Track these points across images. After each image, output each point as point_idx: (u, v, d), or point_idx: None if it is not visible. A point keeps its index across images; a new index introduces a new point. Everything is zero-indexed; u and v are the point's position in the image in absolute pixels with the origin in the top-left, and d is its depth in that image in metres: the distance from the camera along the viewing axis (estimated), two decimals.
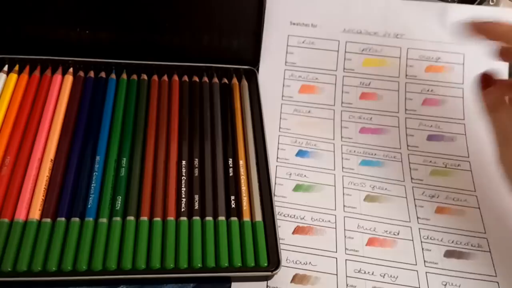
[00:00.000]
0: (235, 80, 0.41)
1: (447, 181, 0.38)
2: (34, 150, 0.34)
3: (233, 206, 0.33)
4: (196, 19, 0.40)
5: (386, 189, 0.37)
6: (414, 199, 0.37)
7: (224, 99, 0.40)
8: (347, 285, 0.32)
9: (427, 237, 0.35)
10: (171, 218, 0.32)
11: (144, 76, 0.40)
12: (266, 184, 0.35)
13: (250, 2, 0.40)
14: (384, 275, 0.33)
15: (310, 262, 0.33)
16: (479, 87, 0.35)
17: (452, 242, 0.35)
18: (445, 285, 0.33)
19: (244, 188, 0.34)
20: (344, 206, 0.36)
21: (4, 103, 0.36)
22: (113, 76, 0.40)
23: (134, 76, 0.40)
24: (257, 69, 0.42)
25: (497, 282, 0.33)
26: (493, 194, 0.38)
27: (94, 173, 0.33)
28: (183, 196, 0.33)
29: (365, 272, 0.33)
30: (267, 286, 0.32)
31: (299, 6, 0.45)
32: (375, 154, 0.39)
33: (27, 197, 0.32)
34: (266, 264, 0.31)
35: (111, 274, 0.29)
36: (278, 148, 0.39)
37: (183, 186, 0.34)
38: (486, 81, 0.34)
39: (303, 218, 0.35)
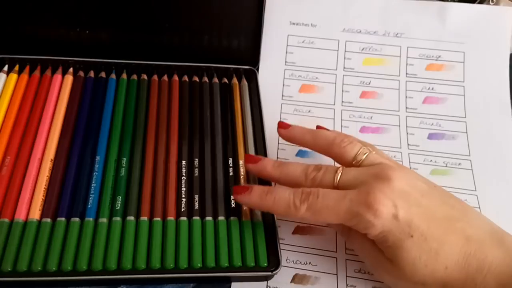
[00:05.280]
0: (235, 80, 0.41)
1: (447, 180, 0.38)
2: (34, 150, 0.34)
3: (233, 206, 0.33)
4: (196, 19, 0.40)
5: None
6: None
7: (224, 99, 0.40)
8: (347, 285, 0.32)
9: None
10: (171, 218, 0.32)
11: (144, 76, 0.40)
12: (266, 184, 0.35)
13: (250, 2, 0.40)
14: None
15: (310, 262, 0.33)
16: None
17: None
18: None
19: None
20: None
21: (4, 103, 0.36)
22: (113, 76, 0.40)
23: (134, 76, 0.40)
24: (257, 69, 0.42)
25: None
26: (494, 193, 0.38)
27: (94, 173, 0.33)
28: (183, 196, 0.33)
29: (365, 272, 0.33)
30: (267, 286, 0.32)
31: (298, 6, 0.45)
32: None
33: (27, 197, 0.32)
34: (266, 264, 0.31)
35: (111, 274, 0.29)
36: (278, 148, 0.39)
37: (183, 186, 0.34)
38: None
39: None
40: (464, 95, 0.43)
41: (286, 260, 0.33)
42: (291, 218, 0.32)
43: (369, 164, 0.30)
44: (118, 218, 0.32)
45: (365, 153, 0.31)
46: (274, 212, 0.31)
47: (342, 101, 0.42)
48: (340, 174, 0.30)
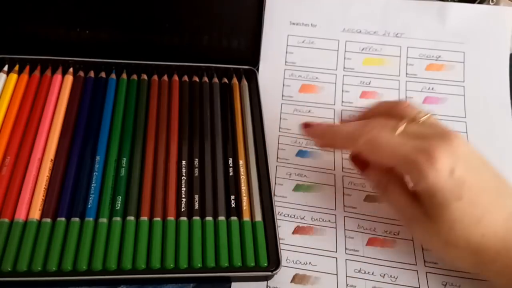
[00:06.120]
0: (235, 80, 0.41)
1: None
2: (34, 150, 0.34)
3: (233, 206, 0.33)
4: (196, 19, 0.40)
5: None
6: None
7: (224, 99, 0.40)
8: (347, 285, 0.32)
9: None
10: (171, 218, 0.32)
11: (144, 76, 0.40)
12: (266, 184, 0.35)
13: (250, 2, 0.40)
14: (384, 275, 0.33)
15: (310, 262, 0.33)
16: (357, 170, 0.34)
17: None
18: (445, 285, 0.33)
19: (244, 188, 0.34)
20: (344, 206, 0.36)
21: (4, 103, 0.36)
22: (113, 76, 0.40)
23: (134, 76, 0.40)
24: (257, 69, 0.42)
25: None
26: None
27: (94, 173, 0.33)
28: (183, 196, 0.33)
29: (365, 272, 0.33)
30: (267, 286, 0.32)
31: (298, 6, 0.45)
32: None
33: (27, 197, 0.32)
34: (266, 264, 0.31)
35: (111, 274, 0.29)
36: (278, 148, 0.39)
37: (183, 186, 0.34)
38: (360, 161, 0.33)
39: (303, 218, 0.35)
40: (464, 95, 0.43)
41: (286, 260, 0.33)
42: (348, 148, 0.32)
43: (431, 125, 0.30)
44: (118, 218, 0.32)
45: (427, 114, 0.30)
46: (334, 142, 0.32)
47: (342, 101, 0.42)
48: (403, 126, 0.29)
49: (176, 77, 0.40)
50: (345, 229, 0.35)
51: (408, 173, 0.28)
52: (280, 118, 0.41)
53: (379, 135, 0.29)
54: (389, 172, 0.31)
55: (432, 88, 0.43)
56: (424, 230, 0.29)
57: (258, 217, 0.33)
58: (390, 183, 0.31)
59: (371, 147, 0.29)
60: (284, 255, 0.33)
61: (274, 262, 0.31)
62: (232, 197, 0.34)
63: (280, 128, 0.40)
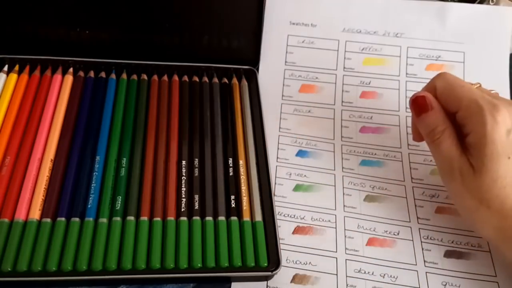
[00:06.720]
0: (235, 80, 0.41)
1: None
2: (34, 150, 0.34)
3: (233, 206, 0.33)
4: (196, 19, 0.40)
5: (386, 189, 0.37)
6: (414, 199, 0.37)
7: (224, 99, 0.40)
8: (347, 285, 0.32)
9: (427, 237, 0.35)
10: (171, 218, 0.32)
11: (144, 76, 0.40)
12: (266, 184, 0.35)
13: (250, 2, 0.40)
14: (384, 275, 0.33)
15: (310, 262, 0.33)
16: (413, 112, 0.34)
17: (452, 242, 0.35)
18: (445, 285, 0.33)
19: (244, 188, 0.34)
20: (344, 206, 0.36)
21: (4, 103, 0.36)
22: (113, 76, 0.40)
23: (134, 76, 0.40)
24: (257, 69, 0.42)
25: (497, 282, 0.33)
26: None
27: (94, 173, 0.33)
28: (183, 196, 0.33)
29: (365, 272, 0.33)
30: (267, 286, 0.32)
31: (298, 6, 0.45)
32: (375, 154, 0.39)
33: (27, 197, 0.32)
34: (266, 264, 0.31)
35: (111, 274, 0.29)
36: (278, 148, 0.39)
37: (183, 186, 0.34)
38: (421, 105, 0.33)
39: (303, 218, 0.35)
40: None
41: (286, 260, 0.33)
42: (427, 84, 0.34)
43: (501, 96, 0.33)
44: (118, 218, 0.32)
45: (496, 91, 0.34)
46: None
47: (342, 101, 0.42)
48: (478, 85, 0.33)
49: (176, 77, 0.40)
50: (345, 229, 0.35)
51: (471, 118, 0.30)
52: (280, 118, 0.41)
53: (456, 80, 0.32)
54: (447, 121, 0.32)
55: None
56: (462, 185, 0.30)
57: (258, 217, 0.33)
58: (446, 131, 0.32)
59: (446, 84, 0.32)
60: (284, 255, 0.33)
61: (274, 262, 0.31)
62: (232, 197, 0.34)
63: (280, 128, 0.40)
